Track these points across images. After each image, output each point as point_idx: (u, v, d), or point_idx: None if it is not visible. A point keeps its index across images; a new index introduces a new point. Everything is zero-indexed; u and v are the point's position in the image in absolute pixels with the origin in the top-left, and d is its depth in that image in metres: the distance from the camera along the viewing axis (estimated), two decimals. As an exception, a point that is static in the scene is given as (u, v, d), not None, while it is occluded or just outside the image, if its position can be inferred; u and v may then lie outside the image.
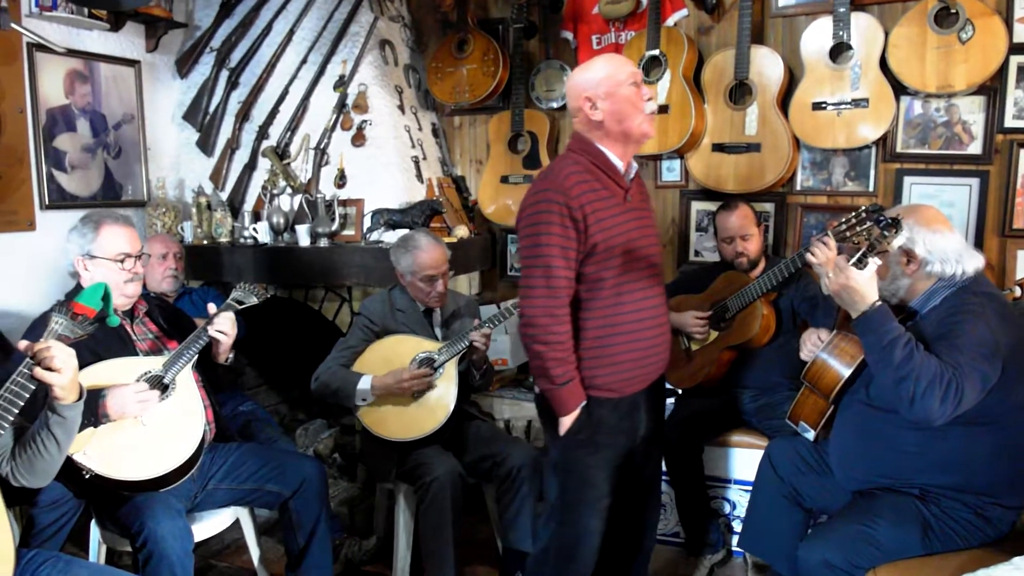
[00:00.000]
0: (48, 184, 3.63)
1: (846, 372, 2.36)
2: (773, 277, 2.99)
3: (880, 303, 2.12)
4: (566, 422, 2.25)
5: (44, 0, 3.49)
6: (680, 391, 3.34)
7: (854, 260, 2.12)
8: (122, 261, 2.53)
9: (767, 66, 3.47)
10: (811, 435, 2.53)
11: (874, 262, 2.13)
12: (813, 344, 2.50)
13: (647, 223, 2.37)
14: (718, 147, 3.57)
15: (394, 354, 3.00)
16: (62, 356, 1.83)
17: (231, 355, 2.71)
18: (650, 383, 2.38)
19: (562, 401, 2.22)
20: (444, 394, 2.95)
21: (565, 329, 2.18)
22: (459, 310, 3.22)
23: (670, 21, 3.74)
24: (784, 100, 3.49)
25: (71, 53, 3.71)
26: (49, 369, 1.81)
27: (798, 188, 3.65)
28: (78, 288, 2.57)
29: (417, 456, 2.89)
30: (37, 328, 2.46)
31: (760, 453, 2.74)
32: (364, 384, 2.94)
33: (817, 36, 3.35)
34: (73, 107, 3.76)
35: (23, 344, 1.85)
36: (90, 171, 3.85)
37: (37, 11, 3.49)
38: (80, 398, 1.94)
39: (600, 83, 2.21)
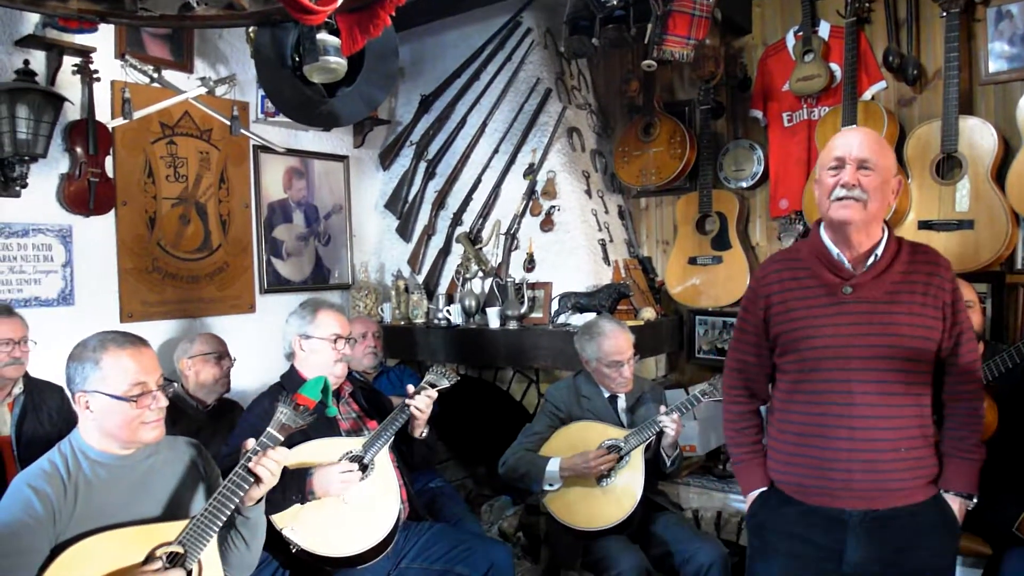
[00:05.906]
0: (267, 270, 4.01)
1: (1090, 481, 2.10)
2: (995, 367, 2.72)
3: None
4: None
5: (268, 107, 3.91)
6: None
7: None
8: (335, 341, 2.74)
9: (979, 137, 3.23)
10: (1048, 550, 2.25)
11: None
12: None
13: (877, 320, 2.01)
14: (925, 224, 3.33)
15: (580, 441, 3.00)
16: (273, 469, 2.03)
17: (426, 430, 2.83)
18: (850, 504, 1.99)
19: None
20: (630, 483, 2.90)
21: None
22: (644, 396, 3.18)
23: (867, 94, 3.60)
24: (999, 172, 3.22)
25: (290, 152, 4.12)
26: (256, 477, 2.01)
27: (1019, 267, 3.33)
28: (292, 370, 2.79)
29: (603, 547, 2.84)
30: (255, 409, 2.70)
31: (982, 562, 2.46)
32: (552, 466, 2.96)
33: (1036, 103, 3.10)
34: (290, 200, 4.15)
35: (250, 443, 2.04)
36: (303, 258, 4.21)
37: (263, 117, 3.92)
38: (260, 501, 2.10)
39: (820, 163, 2.11)
